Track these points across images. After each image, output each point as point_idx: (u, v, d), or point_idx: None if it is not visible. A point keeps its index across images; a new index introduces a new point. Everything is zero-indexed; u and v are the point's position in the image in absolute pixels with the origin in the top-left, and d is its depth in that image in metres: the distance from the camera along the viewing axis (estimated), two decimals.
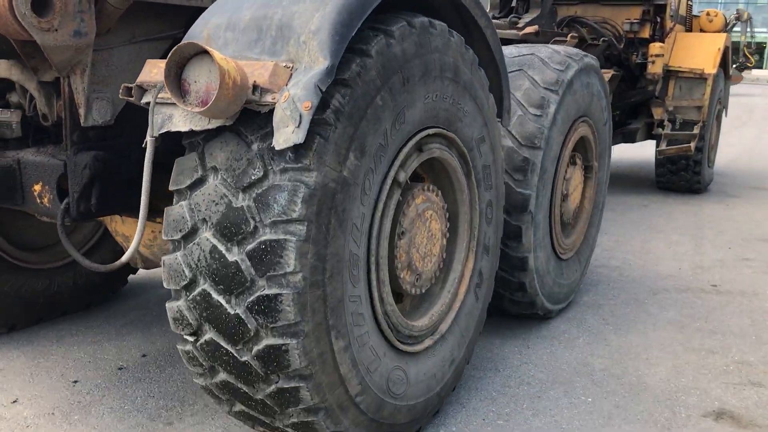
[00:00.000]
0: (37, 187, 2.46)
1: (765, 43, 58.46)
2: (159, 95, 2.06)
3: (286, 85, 1.97)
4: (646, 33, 7.68)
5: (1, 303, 3.48)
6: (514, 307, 3.84)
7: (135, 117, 2.45)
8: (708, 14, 8.60)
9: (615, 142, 8.03)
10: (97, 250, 3.90)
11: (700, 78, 7.73)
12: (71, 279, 3.81)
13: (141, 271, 4.35)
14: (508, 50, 3.87)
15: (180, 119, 2.06)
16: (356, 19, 2.05)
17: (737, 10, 9.95)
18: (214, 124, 2.03)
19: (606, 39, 7.08)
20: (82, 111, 2.32)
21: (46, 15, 2.05)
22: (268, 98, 1.96)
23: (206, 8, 2.50)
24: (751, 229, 6.42)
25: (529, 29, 5.38)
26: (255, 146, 2.02)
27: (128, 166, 2.52)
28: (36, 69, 2.31)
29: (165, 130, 2.07)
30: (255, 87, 1.95)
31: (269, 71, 1.98)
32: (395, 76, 2.25)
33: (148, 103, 2.09)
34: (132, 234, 3.07)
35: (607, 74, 7.02)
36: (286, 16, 2.07)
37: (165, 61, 2.02)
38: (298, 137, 1.88)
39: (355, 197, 2.15)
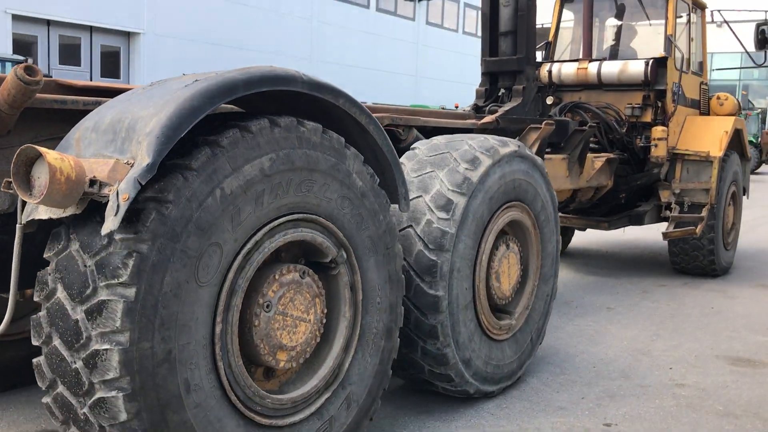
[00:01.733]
0: None
1: None
2: None
3: (121, 179, 2.38)
4: (648, 117, 7.84)
5: None
6: (449, 392, 4.03)
7: None
8: (718, 98, 8.69)
9: (622, 225, 8.10)
10: None
11: (707, 161, 7.79)
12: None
13: None
14: (431, 144, 4.18)
15: (43, 210, 2.49)
16: (186, 123, 2.46)
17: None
18: (67, 212, 2.45)
19: (594, 124, 7.29)
20: None
21: None
22: (106, 191, 2.37)
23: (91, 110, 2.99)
24: (717, 341, 5.45)
25: (487, 119, 5.69)
26: (100, 224, 2.42)
27: (28, 247, 2.97)
28: None
29: (30, 218, 2.51)
30: (93, 181, 2.37)
31: (109, 167, 2.40)
32: (246, 166, 2.63)
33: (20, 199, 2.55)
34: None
35: (602, 158, 7.21)
36: (133, 120, 2.51)
37: None
38: (115, 225, 2.27)
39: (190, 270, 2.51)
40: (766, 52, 8.84)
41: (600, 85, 8.03)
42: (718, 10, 9.09)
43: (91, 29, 18.71)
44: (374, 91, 25.78)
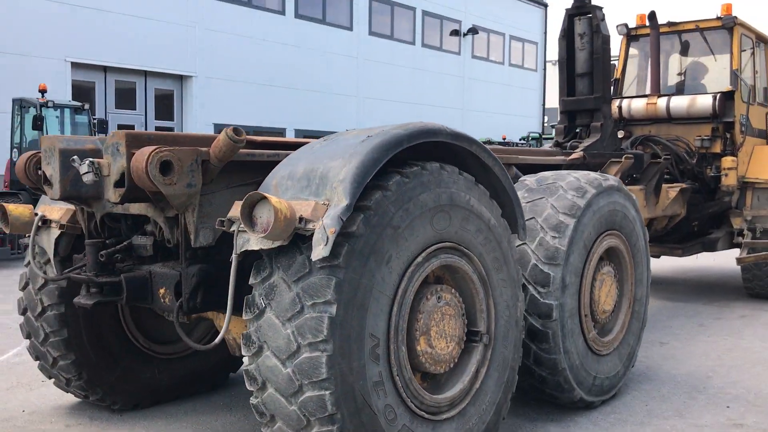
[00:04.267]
0: (162, 291, 3.48)
1: None
2: (241, 226, 3.03)
3: (323, 216, 2.88)
4: (717, 148, 8.18)
5: (129, 383, 4.48)
6: (556, 400, 4.43)
7: (228, 240, 3.44)
8: None
9: (695, 252, 8.41)
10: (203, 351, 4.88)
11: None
12: (186, 369, 4.78)
13: None
14: (539, 177, 4.66)
15: (254, 242, 3.00)
16: (371, 171, 2.96)
17: None
18: (276, 244, 2.96)
19: (668, 156, 7.67)
20: (192, 237, 3.34)
21: (168, 174, 3.10)
22: (311, 226, 2.87)
23: (277, 161, 3.53)
24: None
25: (575, 155, 6.14)
26: (304, 253, 2.93)
27: (224, 275, 3.50)
28: (162, 208, 3.37)
29: (244, 249, 3.02)
30: (301, 219, 2.88)
31: (311, 208, 2.90)
32: (409, 203, 3.13)
33: (233, 231, 3.07)
34: (231, 328, 4.03)
35: (676, 188, 7.57)
36: (325, 169, 3.02)
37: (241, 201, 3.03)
38: (325, 252, 2.76)
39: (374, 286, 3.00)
40: None
41: (669, 118, 8.40)
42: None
43: (145, 74, 19.70)
44: None
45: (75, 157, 3.38)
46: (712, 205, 8.27)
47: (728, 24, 8.44)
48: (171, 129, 19.96)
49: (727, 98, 8.16)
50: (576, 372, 4.36)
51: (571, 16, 7.18)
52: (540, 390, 4.41)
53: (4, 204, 4.16)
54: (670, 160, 7.81)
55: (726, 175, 8.04)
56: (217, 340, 3.20)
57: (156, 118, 20.06)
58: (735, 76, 8.40)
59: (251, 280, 3.08)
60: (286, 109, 22.59)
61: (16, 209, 4.14)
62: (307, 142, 3.81)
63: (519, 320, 3.85)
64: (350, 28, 24.68)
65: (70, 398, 4.73)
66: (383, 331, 3.07)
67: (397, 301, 3.13)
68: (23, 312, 4.37)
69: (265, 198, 2.85)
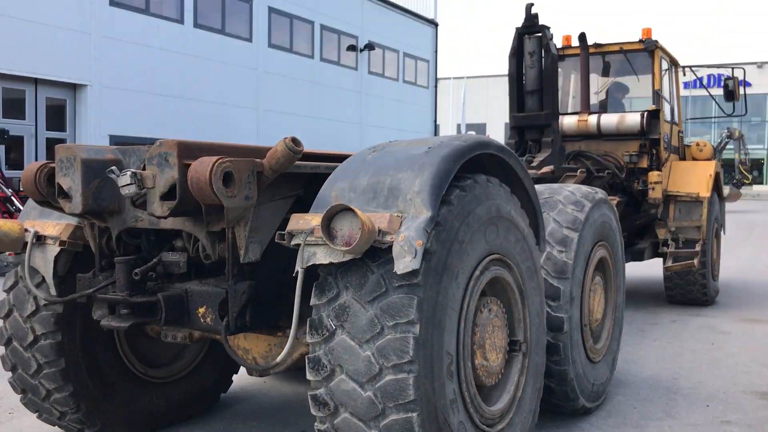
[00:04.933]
0: (201, 310, 3.26)
1: (762, 159, 60.75)
2: (307, 239, 2.90)
3: (399, 228, 2.81)
4: (644, 163, 8.69)
5: (127, 412, 4.18)
6: (561, 409, 4.53)
7: (272, 255, 3.30)
8: (698, 144, 9.70)
9: (624, 262, 8.88)
10: (199, 370, 4.64)
11: (697, 201, 8.69)
12: (181, 393, 4.51)
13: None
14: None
15: (322, 255, 2.88)
16: (444, 182, 2.93)
17: (728, 128, 11.01)
18: (347, 257, 2.85)
19: (609, 170, 8.08)
20: (242, 252, 3.17)
21: (230, 186, 2.93)
22: (387, 238, 2.79)
23: (320, 173, 3.42)
24: (737, 377, 5.75)
25: (546, 169, 6.37)
26: (376, 271, 2.84)
27: (269, 291, 3.35)
28: (209, 222, 3.17)
29: (311, 263, 2.90)
30: (379, 231, 2.80)
31: (387, 220, 2.82)
32: (468, 217, 3.11)
33: (297, 245, 2.93)
34: (252, 347, 3.86)
35: (613, 201, 7.97)
36: (395, 181, 2.95)
37: (308, 215, 2.91)
38: (416, 265, 2.70)
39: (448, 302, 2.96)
40: (733, 103, 9.94)
41: (599, 134, 8.85)
42: (690, 67, 10.15)
43: (35, 81, 18.50)
44: (320, 138, 26.39)
45: (114, 168, 3.13)
46: (640, 217, 8.78)
47: (650, 47, 9.02)
48: (63, 140, 18.78)
49: (652, 116, 8.70)
50: (580, 381, 4.48)
51: (521, 34, 7.43)
52: (546, 400, 4.48)
53: None
54: (611, 173, 8.21)
55: (653, 188, 8.54)
56: (279, 358, 3.04)
57: (47, 129, 18.81)
58: (657, 95, 8.97)
59: (314, 301, 2.95)
60: (185, 120, 21.85)
61: (5, 224, 3.76)
62: (341, 155, 3.73)
63: (544, 327, 3.92)
64: (249, 40, 24.28)
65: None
66: (454, 347, 3.03)
67: (463, 316, 3.10)
68: (6, 342, 3.97)
69: (347, 209, 2.75)
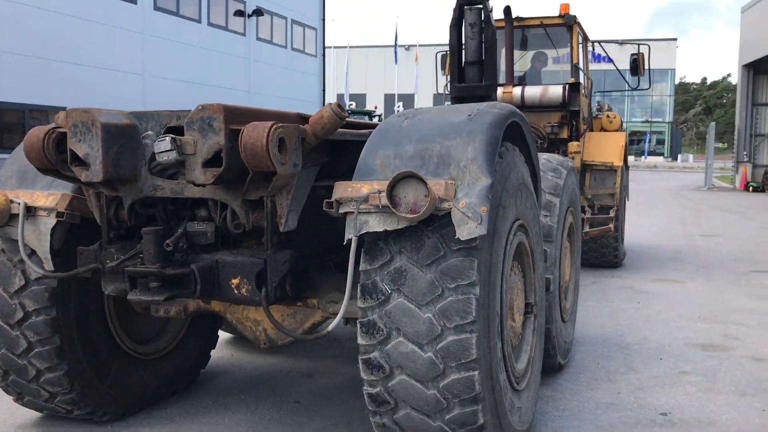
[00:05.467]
0: (235, 281, 3.15)
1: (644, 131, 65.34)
2: (360, 206, 2.88)
3: (455, 195, 2.84)
4: (565, 134, 9.10)
5: (119, 391, 3.99)
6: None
7: (311, 224, 3.24)
8: (608, 116, 10.26)
9: None
10: (183, 345, 4.49)
11: (611, 169, 9.23)
12: (169, 369, 4.35)
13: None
14: None
15: (375, 223, 2.87)
16: (496, 149, 2.99)
17: (598, 101, 11.73)
18: (402, 224, 2.86)
19: (542, 140, 8.43)
20: (282, 220, 3.09)
21: (282, 152, 2.84)
22: (445, 205, 2.82)
23: (346, 140, 3.39)
24: (674, 332, 6.18)
25: None
26: (432, 236, 2.87)
27: (304, 260, 3.29)
28: (247, 191, 3.05)
29: (364, 231, 2.88)
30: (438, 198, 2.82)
31: (443, 187, 2.85)
32: (506, 183, 3.20)
33: (345, 213, 2.91)
34: (264, 318, 3.78)
35: None
36: (444, 148, 2.97)
37: (355, 182, 2.90)
38: (482, 230, 2.75)
39: (498, 264, 3.04)
40: (638, 78, 10.56)
41: (522, 106, 9.17)
42: (599, 42, 10.67)
43: None
44: None
45: (150, 133, 2.96)
46: None
47: (569, 22, 9.40)
48: None
49: (572, 89, 9.12)
50: (558, 339, 4.73)
51: (461, 5, 7.53)
52: None
53: None
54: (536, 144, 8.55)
55: (572, 158, 8.97)
56: (330, 327, 3.00)
57: None
58: (576, 69, 9.40)
59: (365, 266, 2.94)
60: (65, 85, 20.47)
61: None
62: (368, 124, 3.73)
63: (544, 289, 4.10)
64: (134, 2, 22.99)
65: (26, 415, 4.07)
66: (500, 308, 3.13)
67: (504, 278, 3.20)
68: None
69: (412, 176, 2.75)
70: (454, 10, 7.59)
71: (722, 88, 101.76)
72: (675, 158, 65.08)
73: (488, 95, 7.51)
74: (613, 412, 4.26)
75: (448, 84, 11.02)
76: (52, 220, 3.47)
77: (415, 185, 2.76)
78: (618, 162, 9.28)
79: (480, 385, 2.86)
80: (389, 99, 55.26)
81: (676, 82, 75.35)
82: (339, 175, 3.29)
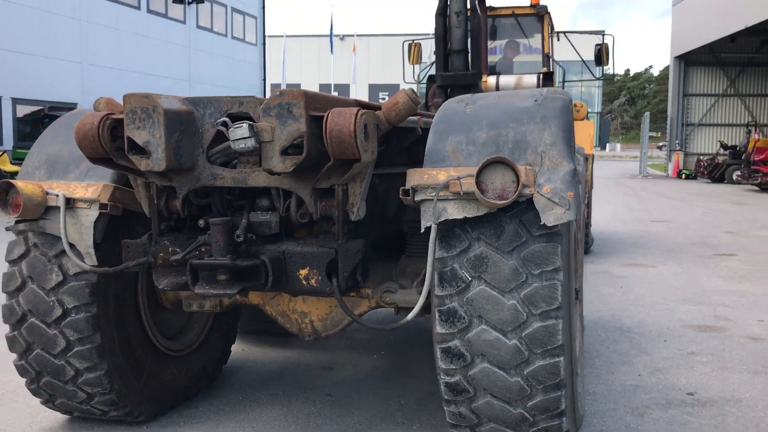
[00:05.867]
0: (304, 272, 3.06)
1: None
2: (439, 195, 2.84)
3: (534, 181, 2.83)
4: None
5: (153, 389, 3.83)
6: None
7: (378, 212, 3.18)
8: (576, 105, 10.45)
9: None
10: (207, 341, 4.34)
11: (583, 158, 9.41)
12: (197, 365, 4.21)
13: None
14: None
15: (453, 210, 2.83)
16: (572, 134, 2.99)
17: None
18: (482, 211, 2.84)
19: None
20: (354, 209, 3.01)
21: (366, 139, 2.77)
22: (526, 191, 2.81)
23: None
24: (666, 314, 6.31)
25: None
26: (512, 222, 2.86)
27: (368, 249, 3.23)
28: (320, 179, 2.96)
29: (443, 219, 2.84)
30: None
31: (524, 173, 2.84)
32: None
33: (423, 201, 2.86)
34: (311, 310, 3.69)
35: None
36: (519, 134, 2.95)
37: (430, 169, 2.86)
38: (571, 216, 2.75)
39: (572, 249, 3.06)
40: (602, 67, 10.80)
41: None
42: (564, 33, 10.86)
43: None
44: None
45: (226, 119, 2.82)
46: None
47: (541, 12, 9.54)
48: None
49: (546, 78, 9.25)
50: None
51: None
52: None
53: (12, 181, 3.25)
54: None
55: None
56: (409, 316, 2.95)
57: None
58: (548, 58, 9.55)
59: (441, 254, 2.91)
60: None
61: (26, 187, 3.26)
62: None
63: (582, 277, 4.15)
64: None
65: (51, 418, 3.87)
66: (572, 291, 3.14)
67: (570, 260, 3.21)
68: (19, 320, 3.45)
69: (501, 162, 2.73)
70: None
71: (644, 79, 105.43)
72: (604, 147, 67.06)
73: (475, 84, 7.54)
74: (642, 394, 4.36)
75: (421, 72, 11.06)
76: (94, 212, 3.30)
77: (503, 171, 2.74)
78: (589, 150, 9.47)
79: (564, 371, 2.87)
80: (324, 89, 54.81)
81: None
82: None
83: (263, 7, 34.13)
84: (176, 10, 27.59)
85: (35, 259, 3.42)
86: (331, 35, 46.87)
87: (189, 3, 28.11)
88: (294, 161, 2.79)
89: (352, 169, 2.86)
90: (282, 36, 48.64)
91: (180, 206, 3.19)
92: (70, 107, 21.68)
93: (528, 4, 9.83)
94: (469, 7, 7.41)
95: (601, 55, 10.63)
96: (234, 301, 3.78)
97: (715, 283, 7.91)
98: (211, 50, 29.80)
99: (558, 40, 11.01)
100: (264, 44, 34.46)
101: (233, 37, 31.71)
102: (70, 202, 3.31)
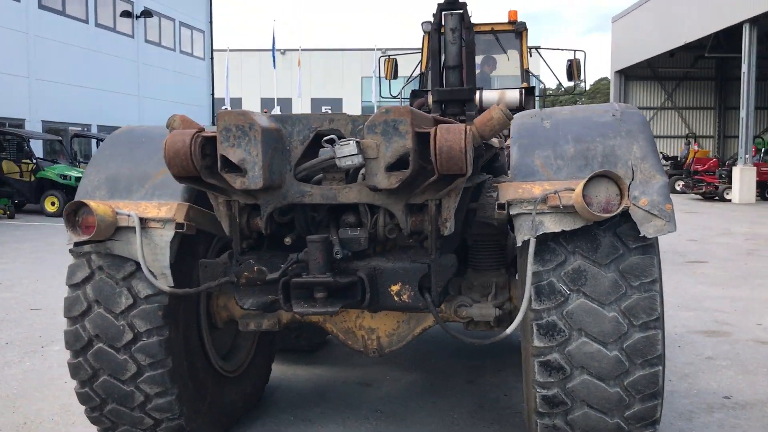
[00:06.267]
0: (395, 287, 3.05)
1: None
2: (537, 209, 2.88)
3: (632, 193, 2.90)
4: None
5: (214, 411, 3.73)
6: None
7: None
8: None
9: None
10: (254, 361, 4.26)
11: None
12: (249, 385, 4.12)
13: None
14: None
15: (551, 224, 2.89)
16: (656, 147, 3.07)
17: None
18: (578, 224, 2.89)
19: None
20: (447, 224, 3.01)
21: (470, 155, 2.79)
22: (622, 204, 2.88)
23: None
24: (668, 320, 6.31)
25: (494, 141, 6.71)
26: (606, 234, 2.92)
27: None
28: (417, 195, 2.95)
29: (541, 233, 2.89)
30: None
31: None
32: None
33: (517, 215, 2.90)
34: (379, 326, 3.66)
35: None
36: (608, 148, 3.03)
37: (523, 183, 2.91)
38: (672, 228, 2.83)
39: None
40: (575, 82, 11.09)
41: (481, 109, 9.38)
42: (536, 48, 11.11)
43: None
44: (101, 111, 24.38)
45: (333, 136, 2.80)
46: None
47: (520, 28, 9.74)
48: None
49: (527, 93, 9.44)
50: None
51: (442, 10, 7.61)
52: None
53: (85, 200, 3.13)
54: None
55: None
56: (509, 330, 2.96)
57: None
58: (527, 73, 9.75)
59: (537, 268, 2.95)
60: None
61: (99, 207, 3.15)
62: None
63: None
64: None
65: None
66: None
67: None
68: (85, 346, 3.32)
69: (604, 176, 2.79)
70: (435, 14, 7.66)
71: (577, 92, 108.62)
72: None
73: (470, 99, 7.65)
74: (681, 399, 4.48)
75: (403, 88, 11.12)
76: (169, 232, 3.21)
77: (606, 184, 2.80)
78: None
79: (662, 380, 2.94)
80: (267, 103, 54.44)
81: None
82: None
83: (210, 22, 33.77)
84: (125, 24, 27.03)
85: (102, 282, 3.30)
86: (273, 50, 46.72)
87: (137, 17, 27.59)
88: (399, 177, 2.79)
89: (453, 183, 2.87)
90: (226, 50, 48.26)
91: (264, 224, 3.13)
92: (18, 123, 20.96)
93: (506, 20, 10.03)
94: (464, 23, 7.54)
95: (572, 70, 10.91)
96: (291, 318, 3.72)
97: (700, 290, 8.19)
98: (160, 65, 29.28)
99: (531, 56, 11.26)
100: (212, 58, 34.07)
101: (182, 52, 31.24)
102: (142, 222, 3.21)
